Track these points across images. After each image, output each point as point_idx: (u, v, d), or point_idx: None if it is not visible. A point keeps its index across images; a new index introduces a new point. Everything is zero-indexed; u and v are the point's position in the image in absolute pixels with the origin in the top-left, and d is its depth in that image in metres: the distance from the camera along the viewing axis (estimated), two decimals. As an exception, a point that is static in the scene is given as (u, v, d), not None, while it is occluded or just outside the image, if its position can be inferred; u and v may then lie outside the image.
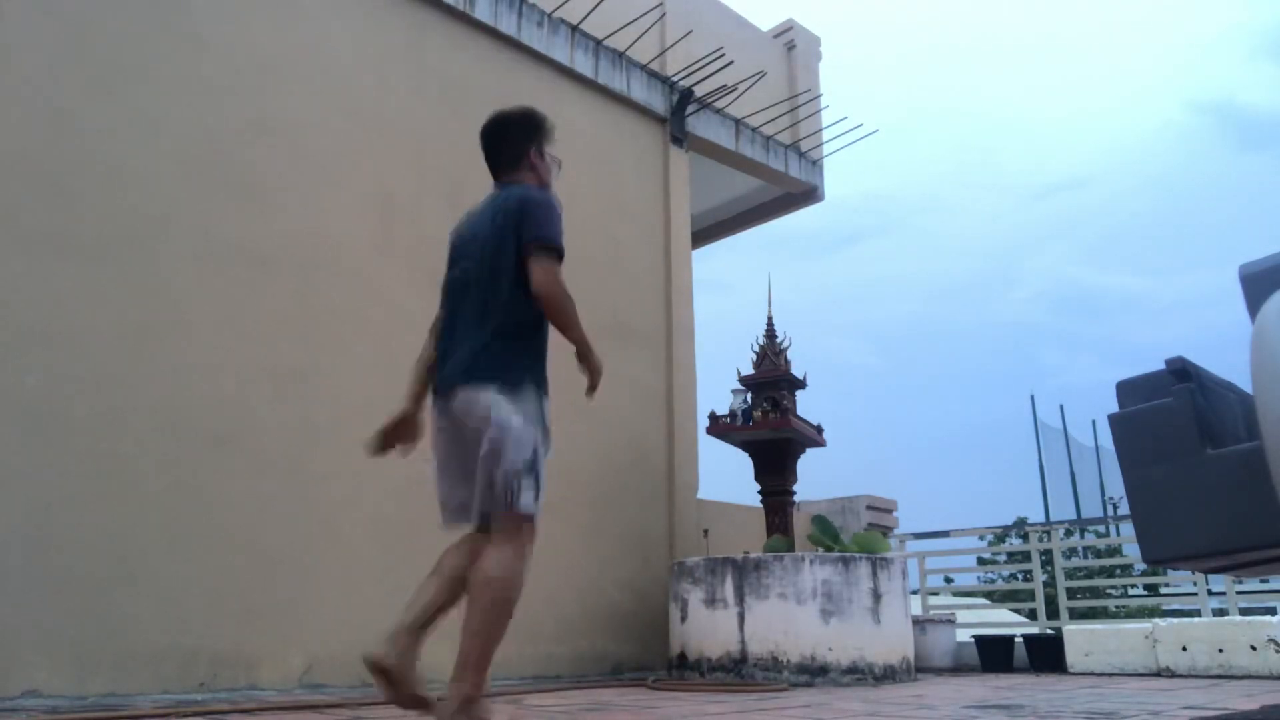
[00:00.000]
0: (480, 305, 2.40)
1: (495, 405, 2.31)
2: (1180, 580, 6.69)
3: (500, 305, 2.37)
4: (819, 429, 5.76)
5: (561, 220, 2.43)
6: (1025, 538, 7.09)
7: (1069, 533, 9.85)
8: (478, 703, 2.15)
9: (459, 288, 2.50)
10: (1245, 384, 2.39)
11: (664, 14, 6.23)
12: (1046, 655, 5.84)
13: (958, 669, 6.08)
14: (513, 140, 2.69)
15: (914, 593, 6.62)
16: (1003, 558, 8.60)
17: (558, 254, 2.39)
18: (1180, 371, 2.63)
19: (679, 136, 6.32)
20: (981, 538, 7.36)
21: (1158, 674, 5.37)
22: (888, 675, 4.59)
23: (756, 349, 5.76)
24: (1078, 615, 7.78)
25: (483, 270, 2.41)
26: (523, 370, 2.40)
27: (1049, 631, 6.29)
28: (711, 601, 4.70)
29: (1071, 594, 8.08)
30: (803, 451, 5.70)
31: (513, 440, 2.30)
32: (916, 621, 5.67)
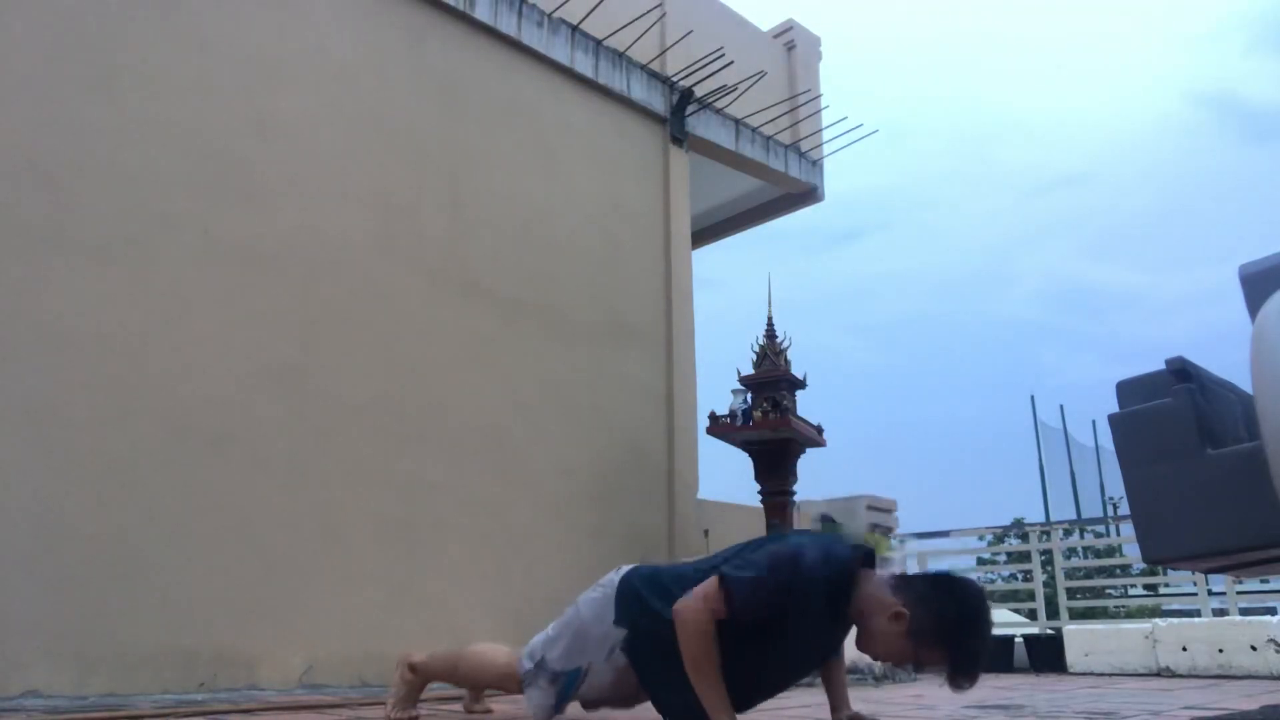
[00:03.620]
0: None
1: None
2: (1180, 580, 6.69)
3: None
4: (819, 429, 5.76)
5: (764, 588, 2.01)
6: (1025, 538, 7.09)
7: (1069, 533, 9.85)
8: (413, 669, 2.59)
9: None
10: (1245, 384, 2.39)
11: (664, 14, 6.23)
12: (1046, 655, 5.85)
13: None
14: None
15: (914, 593, 6.60)
16: (1002, 558, 8.60)
17: (728, 594, 1.99)
18: (1180, 371, 2.63)
19: (679, 136, 6.32)
20: (981, 538, 7.36)
21: (1158, 674, 5.37)
22: (888, 675, 4.59)
23: (756, 349, 5.76)
24: (1078, 615, 7.77)
25: None
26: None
27: (1049, 631, 6.29)
28: (711, 601, 4.68)
29: (1071, 594, 8.07)
30: (803, 451, 5.70)
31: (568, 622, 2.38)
32: (916, 621, 5.66)
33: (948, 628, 1.94)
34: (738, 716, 2.01)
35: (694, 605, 2.00)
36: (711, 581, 2.01)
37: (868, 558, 2.14)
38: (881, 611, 1.99)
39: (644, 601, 2.21)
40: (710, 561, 2.27)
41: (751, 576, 2.00)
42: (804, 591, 2.00)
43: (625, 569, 2.36)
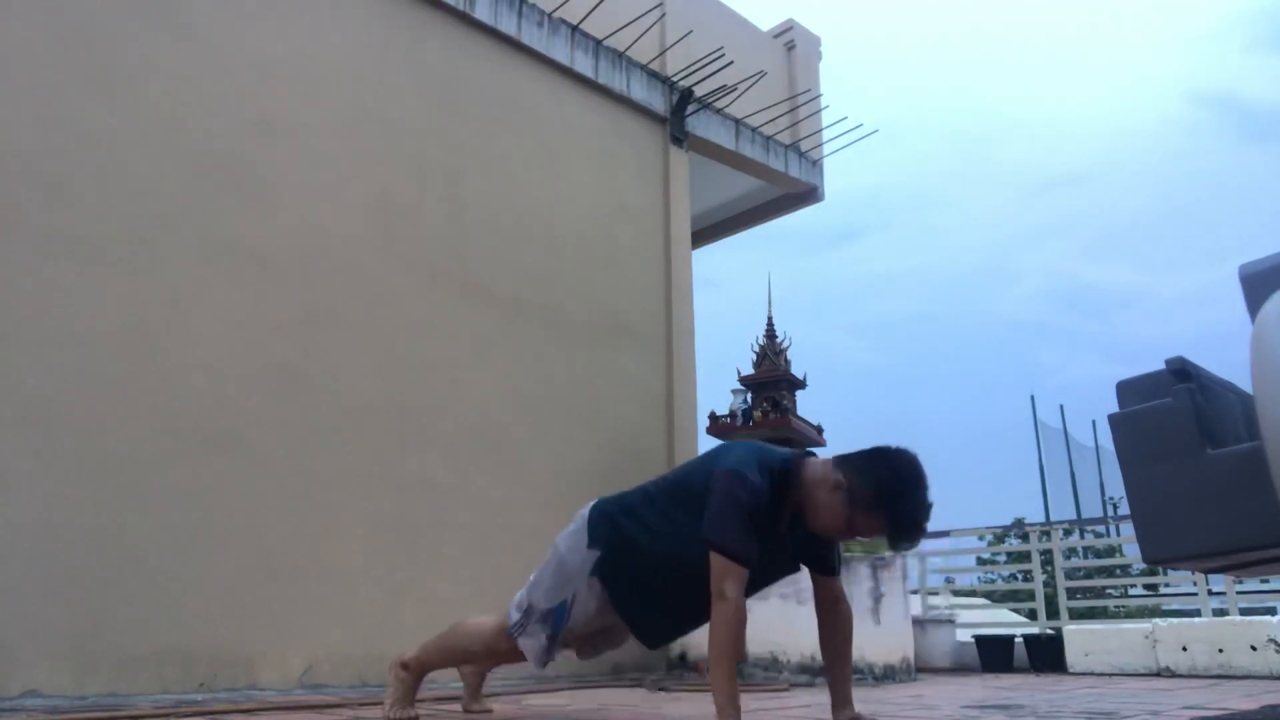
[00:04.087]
0: None
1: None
2: (1180, 580, 6.69)
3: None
4: (819, 429, 5.77)
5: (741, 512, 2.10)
6: (1025, 538, 7.09)
7: (1069, 533, 9.84)
8: (405, 667, 2.63)
9: None
10: (1245, 383, 2.39)
11: (664, 14, 6.23)
12: (1046, 655, 5.84)
13: (958, 669, 6.08)
14: None
15: (914, 593, 6.62)
16: (1003, 558, 8.60)
17: (736, 560, 2.08)
18: (1180, 371, 2.63)
19: (679, 136, 6.32)
20: (981, 538, 7.36)
21: (1158, 674, 5.37)
22: (888, 675, 4.59)
23: (756, 349, 5.77)
24: (1078, 615, 7.77)
25: None
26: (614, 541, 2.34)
27: (1049, 631, 6.29)
28: (711, 601, 4.69)
29: (1071, 594, 8.07)
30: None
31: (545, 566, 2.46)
32: (916, 621, 5.67)
33: (883, 491, 2.03)
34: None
35: (730, 592, 2.04)
36: (719, 561, 2.07)
37: (807, 453, 2.28)
38: (822, 485, 2.11)
39: (615, 522, 2.35)
40: (668, 483, 2.38)
41: (734, 526, 2.08)
42: (761, 502, 2.11)
43: (594, 501, 2.49)
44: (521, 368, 4.98)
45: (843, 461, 2.13)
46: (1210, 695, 3.75)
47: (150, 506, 3.49)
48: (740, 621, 2.05)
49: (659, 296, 5.97)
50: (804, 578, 2.38)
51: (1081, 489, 16.18)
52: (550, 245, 5.31)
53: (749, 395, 5.65)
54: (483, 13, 5.18)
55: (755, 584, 2.30)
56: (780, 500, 2.16)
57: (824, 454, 2.31)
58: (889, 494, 2.03)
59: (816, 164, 7.51)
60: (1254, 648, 5.14)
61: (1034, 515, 14.30)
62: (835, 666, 2.35)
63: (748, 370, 5.73)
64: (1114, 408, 2.82)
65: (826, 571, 2.33)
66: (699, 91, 6.33)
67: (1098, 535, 11.76)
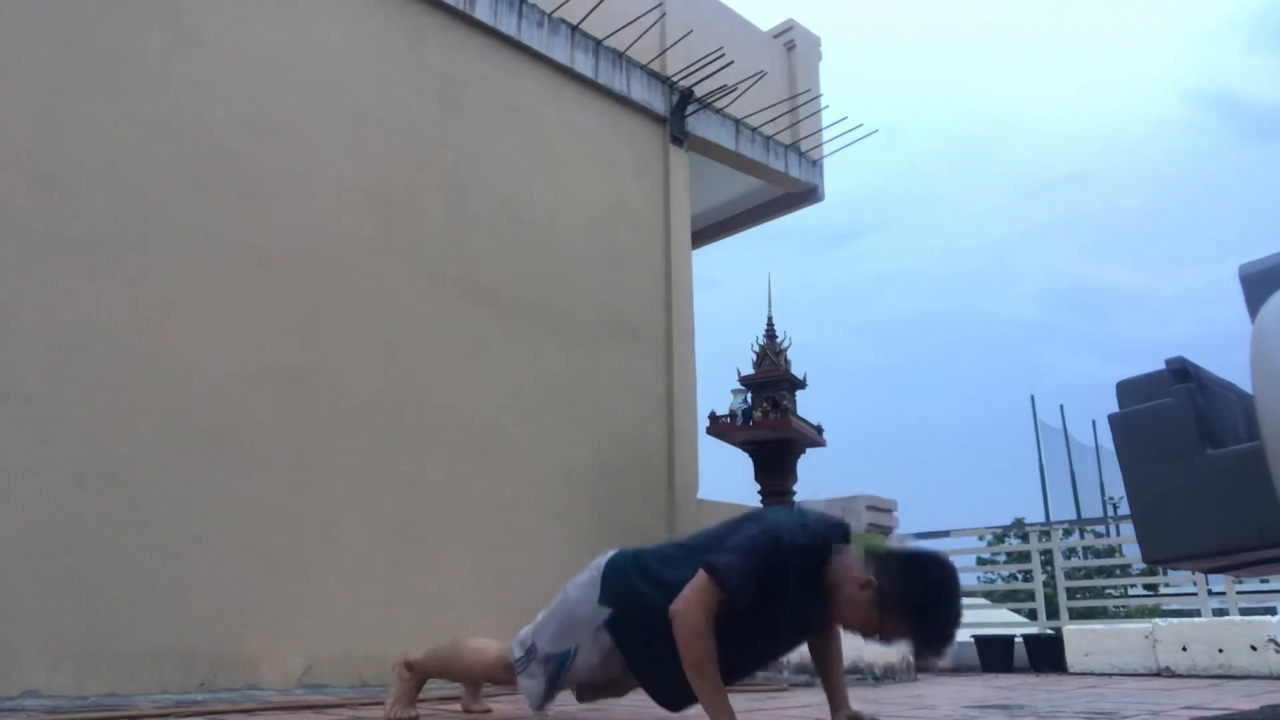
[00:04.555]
0: None
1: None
2: (1180, 580, 6.69)
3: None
4: (819, 429, 5.77)
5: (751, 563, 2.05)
6: (1025, 538, 7.10)
7: (1069, 533, 9.85)
8: (409, 668, 2.66)
9: None
10: (1245, 383, 2.39)
11: (664, 14, 6.23)
12: (1046, 655, 5.85)
13: (958, 669, 6.08)
14: None
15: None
16: (1002, 558, 8.60)
17: (719, 585, 2.02)
18: (1180, 371, 2.63)
19: (679, 136, 6.32)
20: (981, 538, 7.36)
21: (1158, 674, 5.37)
22: (888, 675, 4.59)
23: (756, 349, 5.77)
24: (1077, 615, 7.77)
25: None
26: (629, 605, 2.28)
27: (1049, 631, 6.29)
28: (711, 601, 4.68)
29: (1071, 594, 8.08)
30: (803, 451, 5.71)
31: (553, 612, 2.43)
32: (916, 621, 5.65)
33: (915, 602, 1.97)
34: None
35: (690, 607, 2.01)
36: (701, 576, 2.03)
37: (843, 533, 2.20)
38: (852, 581, 2.04)
39: (629, 581, 2.28)
40: (693, 541, 2.33)
41: (738, 562, 2.03)
42: (784, 566, 2.04)
43: (612, 552, 2.43)
44: (521, 368, 4.98)
45: (877, 560, 2.06)
46: (1210, 695, 3.75)
47: (150, 506, 3.49)
48: (700, 629, 1.99)
49: (659, 296, 5.97)
50: None
51: (1081, 489, 16.19)
52: (550, 245, 5.31)
53: (749, 395, 5.64)
54: (483, 12, 5.18)
55: (761, 652, 2.30)
56: (807, 575, 2.08)
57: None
58: (920, 607, 1.97)
59: (816, 164, 7.52)
60: (1254, 648, 5.14)
61: (1034, 515, 14.31)
62: (827, 668, 2.34)
63: (748, 370, 5.72)
64: (1114, 408, 2.82)
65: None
66: (699, 91, 6.33)
67: (1098, 535, 11.76)
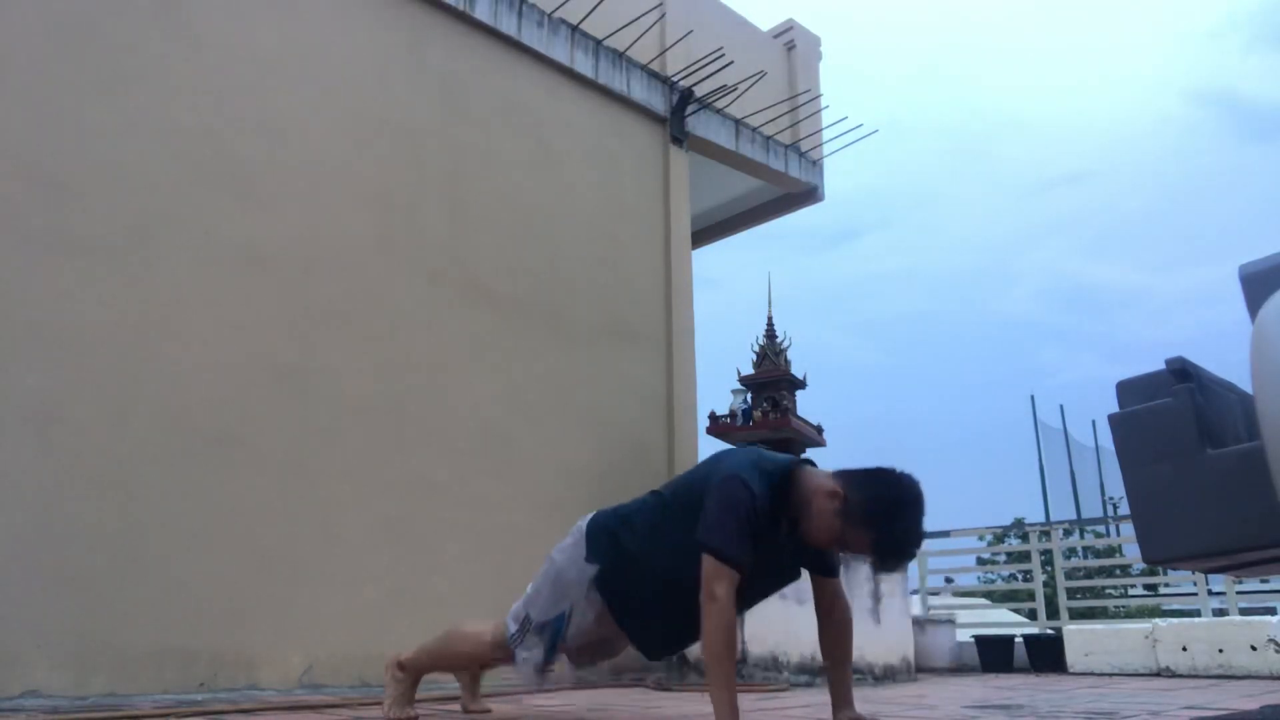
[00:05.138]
0: None
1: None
2: (1180, 580, 6.69)
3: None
4: (819, 429, 5.77)
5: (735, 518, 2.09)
6: (1025, 538, 7.10)
7: (1069, 533, 9.85)
8: (401, 668, 2.67)
9: None
10: (1245, 383, 2.39)
11: (664, 14, 6.23)
12: (1046, 655, 5.85)
13: (958, 669, 6.08)
14: None
15: (914, 593, 6.63)
16: (1002, 558, 8.60)
17: (729, 564, 2.06)
18: (1180, 371, 2.63)
19: (679, 136, 6.32)
20: (981, 538, 7.37)
21: (1158, 674, 5.37)
22: (888, 675, 4.59)
23: (756, 349, 5.77)
24: (1078, 615, 7.78)
25: None
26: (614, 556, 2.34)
27: (1049, 631, 6.29)
28: (711, 601, 4.69)
29: (1071, 594, 8.08)
30: (803, 452, 5.71)
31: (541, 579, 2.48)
32: (916, 622, 5.67)
33: (878, 510, 2.02)
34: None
35: (719, 594, 2.03)
36: (710, 562, 2.06)
37: (805, 460, 2.25)
38: (819, 492, 2.10)
39: (613, 534, 2.34)
40: (666, 489, 2.39)
41: (730, 531, 2.07)
42: (760, 507, 2.09)
43: (591, 513, 2.49)
44: (521, 368, 4.98)
45: (844, 474, 2.12)
46: (1210, 695, 3.75)
47: (150, 506, 3.49)
48: (731, 624, 2.03)
49: (659, 296, 5.97)
50: (803, 578, 2.38)
51: (1081, 489, 16.20)
52: (550, 245, 5.31)
53: (749, 395, 5.65)
54: (483, 12, 5.18)
55: (757, 591, 2.31)
56: (779, 506, 2.15)
57: (824, 454, 2.32)
58: (883, 514, 2.02)
59: (816, 164, 7.51)
60: (1254, 648, 5.14)
61: (1034, 515, 14.32)
62: (835, 667, 2.35)
63: (748, 370, 5.73)
64: (1114, 408, 2.82)
65: (826, 572, 2.33)
66: (699, 91, 6.33)
67: (1098, 535, 11.77)
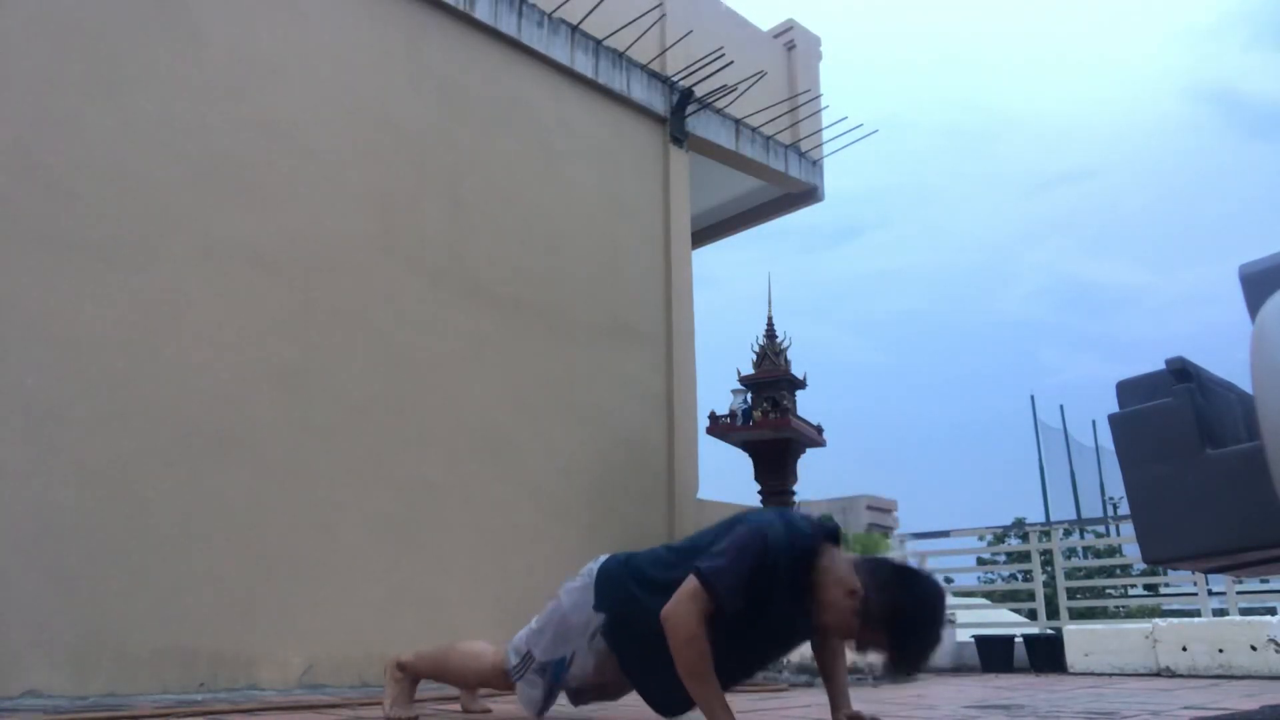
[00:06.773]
0: None
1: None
2: (1180, 580, 6.69)
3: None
4: (819, 429, 5.77)
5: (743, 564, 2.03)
6: (1025, 538, 7.10)
7: (1069, 533, 9.85)
8: (401, 668, 2.67)
9: None
10: (1245, 383, 2.39)
11: (664, 14, 6.23)
12: (1046, 655, 5.84)
13: (958, 669, 6.08)
14: None
15: (914, 593, 6.59)
16: (1002, 558, 8.60)
17: (709, 591, 2.01)
18: (1180, 371, 2.63)
19: (679, 136, 6.32)
20: (981, 538, 7.36)
21: (1158, 674, 5.37)
22: (888, 675, 4.59)
23: (756, 349, 5.77)
24: (1078, 615, 7.77)
25: None
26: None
27: (1049, 631, 6.29)
28: (711, 601, 4.68)
29: (1071, 594, 8.08)
30: (803, 451, 5.71)
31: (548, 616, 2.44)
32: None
33: (897, 619, 1.95)
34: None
35: (681, 612, 2.00)
36: (691, 581, 2.02)
37: (832, 534, 2.16)
38: (838, 583, 2.02)
39: (622, 586, 2.28)
40: (685, 544, 2.33)
41: (727, 565, 2.02)
42: (773, 566, 2.02)
43: (604, 557, 2.43)
44: (521, 368, 4.98)
45: (867, 569, 2.03)
46: (1210, 695, 3.75)
47: (150, 506, 3.49)
48: (692, 636, 1.97)
49: (659, 296, 5.97)
50: None
51: (1081, 489, 16.19)
52: (550, 245, 5.31)
53: (749, 395, 5.64)
54: (483, 12, 5.18)
55: (758, 655, 2.28)
56: (795, 577, 2.06)
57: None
58: (905, 626, 1.95)
59: (816, 164, 7.51)
60: (1254, 648, 5.14)
61: (1034, 515, 14.32)
62: (829, 666, 2.34)
63: (748, 370, 5.72)
64: (1114, 408, 2.82)
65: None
66: (699, 91, 6.33)
67: (1098, 535, 11.77)
